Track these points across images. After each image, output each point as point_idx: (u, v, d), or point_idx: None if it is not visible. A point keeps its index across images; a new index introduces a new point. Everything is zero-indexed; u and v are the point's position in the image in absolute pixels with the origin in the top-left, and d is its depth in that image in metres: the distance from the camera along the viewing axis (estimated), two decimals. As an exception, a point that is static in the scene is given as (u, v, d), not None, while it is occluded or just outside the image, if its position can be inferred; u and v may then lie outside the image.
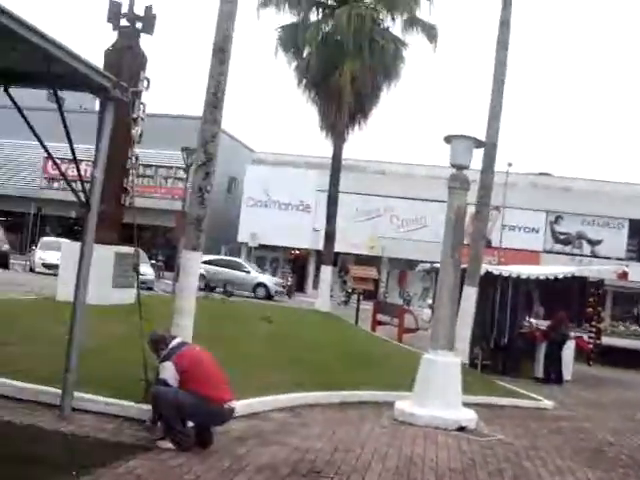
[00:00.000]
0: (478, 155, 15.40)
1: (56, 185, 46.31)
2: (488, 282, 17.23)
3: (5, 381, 8.69)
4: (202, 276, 37.31)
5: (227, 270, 37.95)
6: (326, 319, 21.81)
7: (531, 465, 8.44)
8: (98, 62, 9.32)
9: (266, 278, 39.63)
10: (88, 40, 53.88)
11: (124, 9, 17.00)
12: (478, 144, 11.21)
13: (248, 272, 38.58)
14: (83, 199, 8.12)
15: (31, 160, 47.09)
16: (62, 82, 7.90)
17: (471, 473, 7.81)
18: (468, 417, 10.29)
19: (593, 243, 46.91)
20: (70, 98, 44.19)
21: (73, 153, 8.09)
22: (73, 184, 8.38)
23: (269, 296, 36.96)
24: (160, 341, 7.67)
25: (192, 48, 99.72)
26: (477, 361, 17.06)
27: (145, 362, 8.12)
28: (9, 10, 6.13)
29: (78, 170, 8.38)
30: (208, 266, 38.00)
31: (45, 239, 37.76)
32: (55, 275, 19.60)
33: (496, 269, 18.69)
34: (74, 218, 39.86)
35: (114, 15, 16.92)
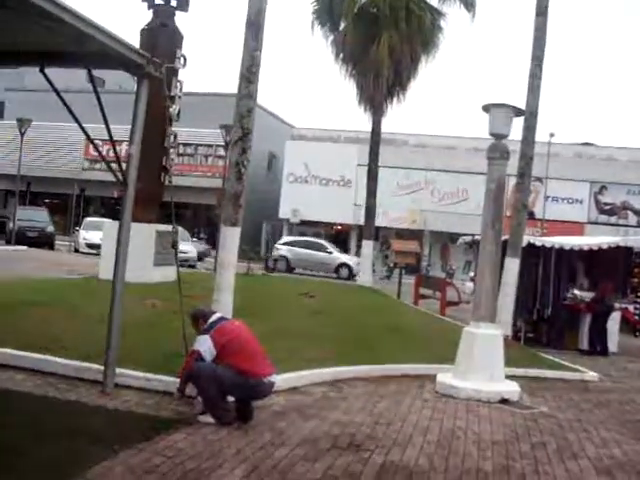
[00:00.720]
0: (518, 126, 15.16)
1: (98, 166, 46.70)
2: (531, 253, 17.03)
3: (50, 358, 8.85)
4: (284, 258, 37.81)
5: (309, 251, 37.54)
6: (368, 294, 21.76)
7: (575, 437, 8.33)
8: (134, 41, 9.32)
9: (348, 258, 38.78)
10: (124, 20, 54.16)
11: (158, -13, 16.98)
12: (517, 112, 11.01)
13: (330, 253, 38.10)
14: (121, 178, 8.17)
15: (73, 142, 47.53)
16: (96, 61, 7.94)
17: (514, 446, 7.73)
18: (511, 389, 10.20)
19: (639, 213, 46.07)
20: (110, 79, 44.72)
21: (109, 133, 8.12)
22: (113, 164, 8.45)
23: (351, 276, 35.26)
24: (200, 316, 7.70)
25: (228, 23, 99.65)
26: (520, 333, 16.92)
27: (185, 337, 8.18)
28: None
29: (115, 150, 8.43)
30: (291, 247, 37.83)
31: (88, 219, 38.22)
32: (98, 255, 19.83)
33: (539, 240, 18.43)
34: (116, 198, 40.17)
35: (149, -7, 16.92)
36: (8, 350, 9.04)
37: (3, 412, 7.08)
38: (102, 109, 7.82)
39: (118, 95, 26.89)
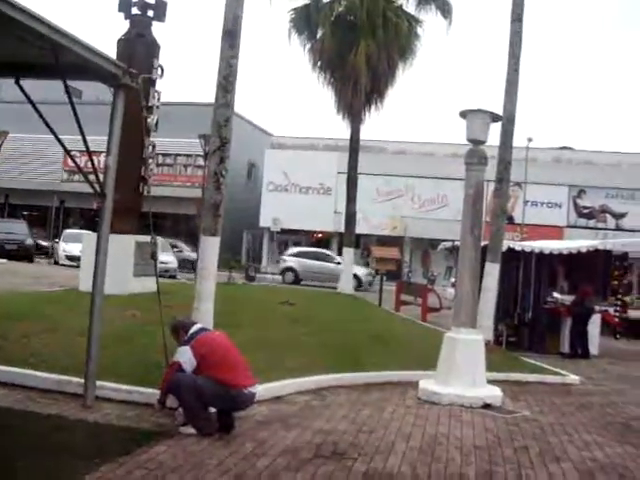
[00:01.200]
0: (496, 131, 15.22)
1: (77, 177, 46.38)
2: (511, 258, 17.10)
3: (30, 372, 8.79)
4: (292, 270, 37.25)
5: (317, 263, 36.72)
6: (349, 301, 21.77)
7: (558, 441, 8.35)
8: (111, 52, 9.30)
9: (357, 269, 37.85)
10: (100, 31, 54.04)
11: (135, -2, 16.95)
12: (494, 118, 11.07)
13: (338, 263, 36.42)
14: (98, 189, 8.13)
15: (52, 153, 47.25)
16: (72, 72, 7.87)
17: (497, 450, 7.75)
18: (493, 394, 10.22)
19: (617, 216, 46.37)
20: (88, 90, 44.28)
21: (85, 144, 8.08)
22: (90, 176, 8.40)
23: (360, 286, 34.43)
24: (180, 327, 7.67)
25: (205, 33, 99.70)
26: (502, 338, 16.96)
27: (166, 349, 8.14)
28: (13, 0, 6.10)
29: (92, 161, 8.39)
30: (299, 259, 36.88)
31: (68, 231, 37.97)
32: (78, 267, 19.72)
33: (518, 245, 18.54)
34: (95, 210, 39.87)
35: (125, 4, 16.88)
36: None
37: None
38: (78, 120, 7.77)
39: (97, 106, 26.82)
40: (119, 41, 16.74)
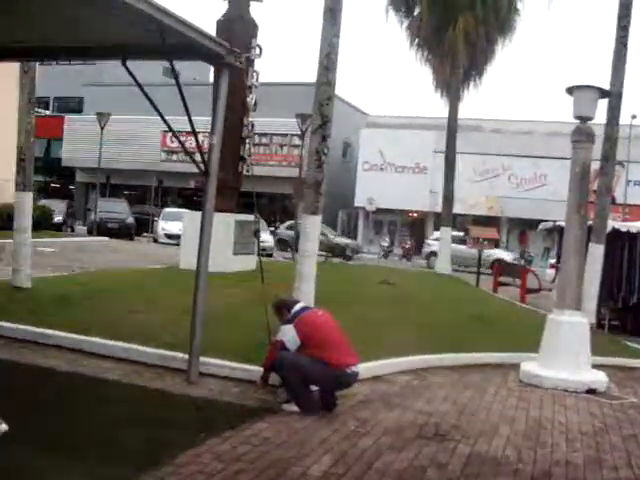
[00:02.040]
0: (602, 108, 14.73)
1: (174, 157, 47.36)
2: (615, 239, 16.58)
3: (135, 347, 9.00)
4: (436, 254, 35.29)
5: (460, 247, 33.28)
6: (447, 281, 21.57)
7: (668, 429, 8.06)
8: (210, 32, 9.35)
9: (506, 254, 36.32)
10: (199, 12, 54.69)
11: (234, -22, 17.05)
12: (602, 94, 10.68)
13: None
14: (202, 168, 8.23)
15: (150, 134, 48.25)
16: (177, 52, 7.99)
17: (604, 437, 7.52)
18: (598, 379, 9.94)
19: None
20: (183, 71, 45.07)
21: (191, 123, 8.16)
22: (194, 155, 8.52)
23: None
24: (283, 306, 7.71)
25: (303, 12, 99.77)
26: (604, 321, 16.49)
27: (269, 327, 8.20)
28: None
29: (197, 140, 8.48)
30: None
31: (167, 210, 38.73)
32: (178, 245, 20.15)
33: (624, 225, 17.94)
34: (193, 188, 40.73)
35: (224, -15, 17.02)
36: (95, 339, 9.25)
37: (92, 400, 7.23)
38: (184, 100, 7.87)
39: (190, 87, 27.28)
40: (218, 22, 16.88)
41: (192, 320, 8.22)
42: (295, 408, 7.32)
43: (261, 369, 7.68)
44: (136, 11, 6.53)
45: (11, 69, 15.50)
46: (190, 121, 8.08)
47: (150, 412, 6.94)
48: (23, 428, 5.66)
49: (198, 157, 8.28)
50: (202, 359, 8.31)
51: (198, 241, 8.36)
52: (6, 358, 8.55)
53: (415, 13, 26.72)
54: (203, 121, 10.38)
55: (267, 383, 7.65)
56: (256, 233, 9.22)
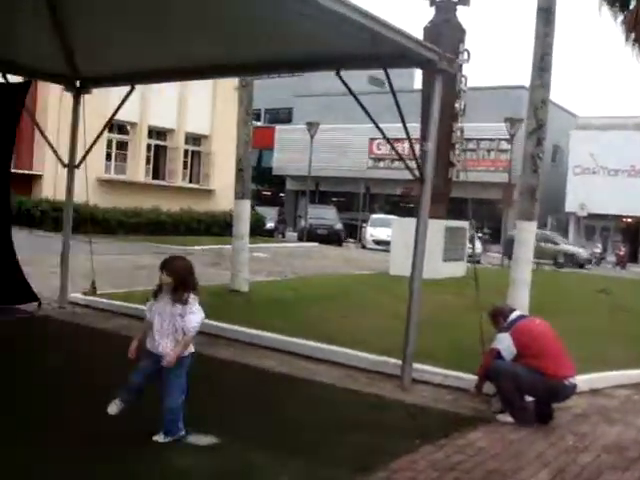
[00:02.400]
0: None
1: (381, 164, 47.88)
2: None
3: (348, 351, 9.13)
4: None
5: None
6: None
7: None
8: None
9: None
10: (404, 18, 54.95)
11: (440, -16, 17.06)
12: None
13: None
14: (417, 175, 8.23)
15: (358, 142, 49.07)
16: (390, 60, 8.08)
17: None
18: None
19: None
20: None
21: (406, 130, 8.20)
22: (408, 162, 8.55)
23: None
24: (499, 314, 7.53)
25: (509, 15, 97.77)
26: None
27: (482, 335, 8.06)
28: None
29: (412, 146, 8.49)
30: None
31: (374, 216, 39.15)
32: (386, 251, 20.35)
33: None
34: (399, 195, 41.03)
35: (431, -10, 17.06)
36: (309, 342, 9.49)
37: (306, 401, 7.44)
38: (398, 107, 7.95)
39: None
40: (426, 28, 16.94)
41: (406, 326, 8.23)
42: (509, 419, 7.14)
43: (475, 377, 7.56)
44: (351, 22, 6.66)
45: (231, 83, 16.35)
46: (405, 128, 8.13)
47: (364, 417, 7.01)
48: (247, 425, 5.93)
49: (411, 163, 8.31)
50: (415, 365, 8.31)
51: (408, 247, 8.37)
52: (226, 358, 8.97)
53: (631, 7, 25.35)
54: (409, 128, 10.44)
55: (481, 392, 7.52)
56: (472, 238, 9.11)
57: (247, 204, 13.67)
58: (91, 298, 11.71)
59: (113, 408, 5.60)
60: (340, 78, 8.64)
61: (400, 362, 8.29)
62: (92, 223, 14.12)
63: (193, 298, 5.47)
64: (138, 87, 11.29)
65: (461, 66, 15.54)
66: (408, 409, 7.38)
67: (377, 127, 8.42)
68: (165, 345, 5.48)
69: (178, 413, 5.61)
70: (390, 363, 8.59)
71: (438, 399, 7.84)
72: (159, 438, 5.59)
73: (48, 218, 24.47)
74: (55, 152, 11.18)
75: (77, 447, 5.40)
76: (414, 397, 7.84)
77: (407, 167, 8.33)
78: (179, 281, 5.43)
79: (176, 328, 5.46)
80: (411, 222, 8.76)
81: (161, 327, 5.49)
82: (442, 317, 10.76)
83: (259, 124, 57.76)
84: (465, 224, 15.45)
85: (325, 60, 8.87)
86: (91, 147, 10.71)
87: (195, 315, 5.47)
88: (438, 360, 8.67)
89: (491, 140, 45.97)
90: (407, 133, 8.19)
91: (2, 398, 6.45)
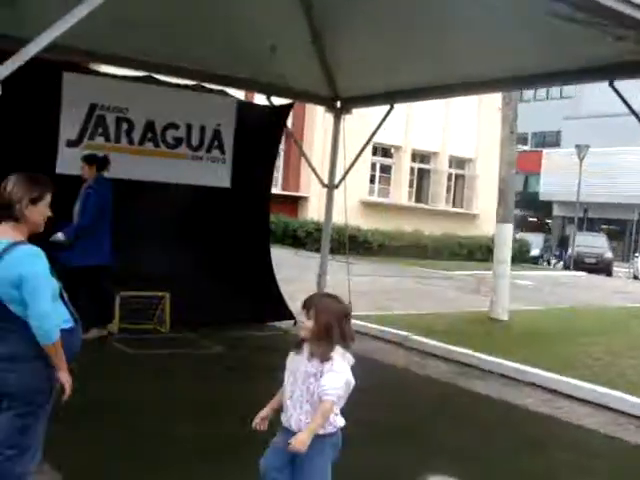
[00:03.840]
0: None
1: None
2: None
3: (614, 393, 8.21)
4: None
5: None
6: None
7: None
8: None
9: None
10: None
11: None
12: None
13: None
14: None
15: (631, 165, 46.13)
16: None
17: None
18: None
19: None
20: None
21: None
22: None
23: None
24: None
25: None
26: None
27: None
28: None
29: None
30: None
31: (646, 245, 36.64)
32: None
33: None
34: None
35: None
36: (571, 379, 8.69)
37: (564, 447, 6.72)
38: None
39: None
40: None
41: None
42: None
43: None
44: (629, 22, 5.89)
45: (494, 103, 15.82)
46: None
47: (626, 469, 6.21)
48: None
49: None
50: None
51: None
52: (484, 393, 8.38)
53: None
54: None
55: None
56: None
57: (509, 228, 13.00)
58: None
59: None
60: (614, 89, 7.81)
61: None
62: (353, 245, 14.14)
63: (341, 354, 3.76)
64: (402, 110, 11.08)
65: None
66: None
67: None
68: (298, 419, 3.79)
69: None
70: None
71: None
72: None
73: (313, 239, 25.12)
74: (315, 172, 11.21)
75: None
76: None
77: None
78: (324, 329, 3.75)
79: (312, 394, 3.76)
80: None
81: (292, 393, 3.83)
82: None
83: (526, 148, 56.36)
84: None
85: (593, 69, 8.03)
86: (350, 168, 10.55)
87: (337, 375, 3.70)
88: None
89: None
90: None
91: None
